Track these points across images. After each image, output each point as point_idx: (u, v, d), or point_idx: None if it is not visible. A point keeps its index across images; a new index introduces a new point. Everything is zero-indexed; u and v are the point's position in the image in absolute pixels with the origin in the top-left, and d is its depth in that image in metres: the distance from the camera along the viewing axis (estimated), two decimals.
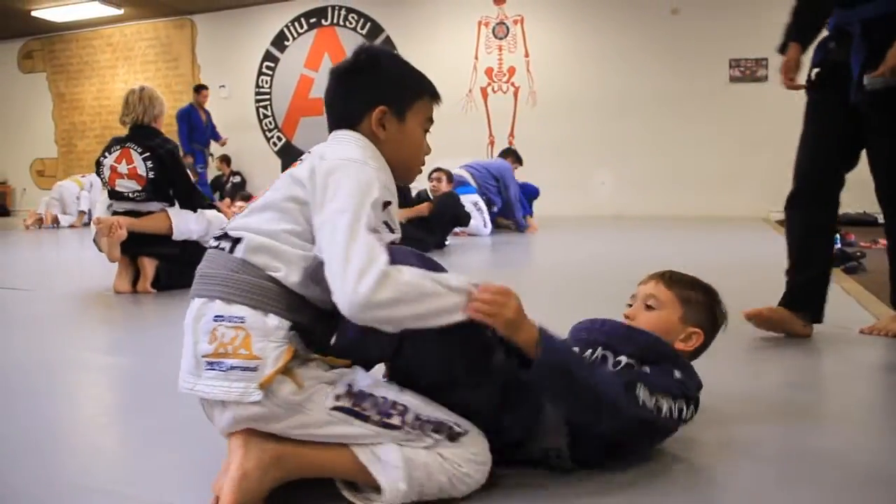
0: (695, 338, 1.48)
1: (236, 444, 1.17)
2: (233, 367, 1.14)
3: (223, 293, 1.18)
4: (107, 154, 3.79)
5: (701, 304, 1.52)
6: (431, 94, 1.40)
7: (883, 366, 2.18)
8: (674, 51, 8.72)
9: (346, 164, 1.22)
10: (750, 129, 8.44)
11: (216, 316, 1.17)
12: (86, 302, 3.51)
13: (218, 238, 1.25)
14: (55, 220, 9.14)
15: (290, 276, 1.17)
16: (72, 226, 9.09)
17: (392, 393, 1.19)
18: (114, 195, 3.77)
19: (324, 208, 1.17)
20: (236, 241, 1.21)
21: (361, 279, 1.06)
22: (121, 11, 11.10)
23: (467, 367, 1.22)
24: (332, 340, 1.31)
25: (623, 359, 1.38)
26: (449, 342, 1.18)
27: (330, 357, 1.21)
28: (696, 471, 1.36)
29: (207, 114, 9.82)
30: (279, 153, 11.07)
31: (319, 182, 1.19)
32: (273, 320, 1.15)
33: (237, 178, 10.99)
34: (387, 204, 1.23)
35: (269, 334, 1.15)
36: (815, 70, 2.55)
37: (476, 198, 6.67)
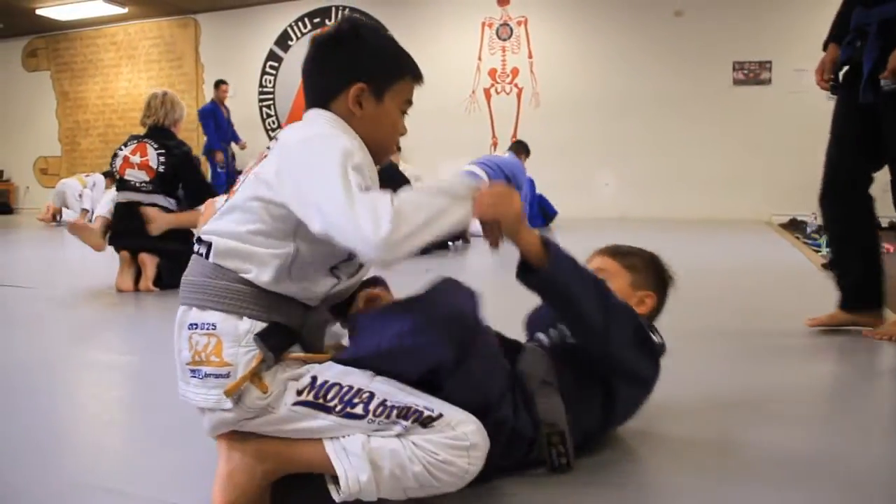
0: (648, 300, 1.57)
1: (220, 447, 1.20)
2: (207, 375, 1.14)
3: (198, 300, 1.17)
4: (123, 147, 3.93)
5: (645, 268, 1.61)
6: (414, 75, 1.33)
7: (891, 370, 2.18)
8: (677, 53, 8.71)
9: (313, 138, 1.18)
10: (753, 131, 8.42)
11: (191, 324, 1.17)
12: (88, 300, 3.52)
13: (197, 242, 1.24)
14: (57, 214, 9.16)
15: (262, 275, 1.15)
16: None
17: (362, 380, 1.14)
18: (121, 185, 3.86)
19: (303, 189, 1.12)
20: (209, 245, 1.19)
21: (378, 229, 1.03)
22: (125, 10, 11.11)
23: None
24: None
25: (552, 331, 1.50)
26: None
27: (308, 354, 1.18)
28: (691, 471, 1.36)
29: (228, 111, 9.75)
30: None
31: (287, 168, 1.15)
32: (244, 324, 1.14)
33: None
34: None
35: (239, 339, 1.13)
36: (843, 70, 2.55)
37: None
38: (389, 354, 1.14)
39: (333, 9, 10.56)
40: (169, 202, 3.85)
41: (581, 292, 1.26)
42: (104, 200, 4.15)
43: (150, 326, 3.00)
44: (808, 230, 6.54)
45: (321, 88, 1.30)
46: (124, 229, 3.83)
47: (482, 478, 1.16)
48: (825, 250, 5.08)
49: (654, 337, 1.42)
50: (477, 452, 1.10)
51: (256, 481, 1.16)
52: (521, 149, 7.43)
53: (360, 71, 1.27)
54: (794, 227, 7.10)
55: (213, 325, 1.15)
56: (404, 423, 1.11)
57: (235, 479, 1.15)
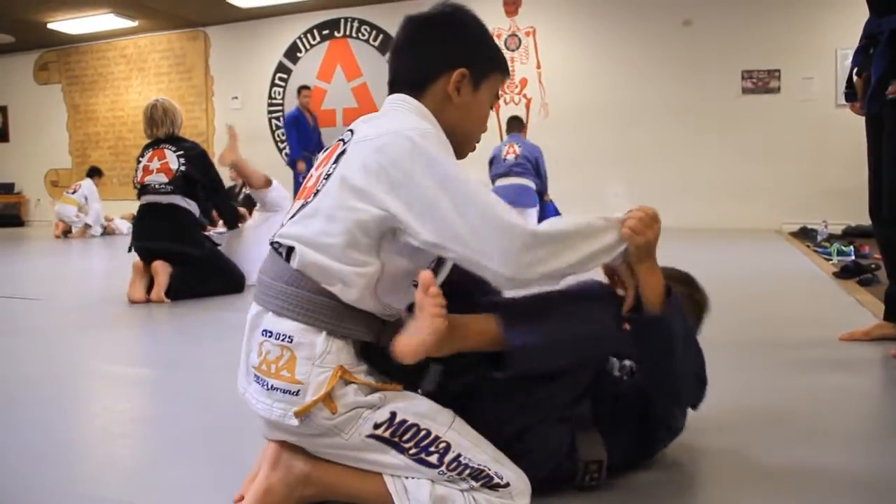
0: None
1: (267, 455, 1.16)
2: (275, 388, 1.10)
3: (275, 305, 1.13)
4: (141, 158, 4.01)
5: (682, 295, 1.55)
6: (504, 70, 1.31)
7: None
8: (686, 62, 8.70)
9: (395, 137, 1.11)
10: (763, 140, 8.40)
11: (265, 330, 1.13)
12: (99, 311, 3.52)
13: (276, 238, 1.19)
14: (67, 230, 9.23)
15: (346, 293, 1.11)
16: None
17: (439, 427, 1.13)
18: (142, 190, 3.93)
19: (413, 192, 1.07)
20: (290, 248, 1.14)
21: (511, 239, 1.03)
22: (135, 23, 11.19)
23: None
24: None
25: (627, 362, 1.42)
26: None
27: (380, 382, 1.14)
28: (701, 482, 1.35)
29: (314, 118, 9.29)
30: (291, 164, 11.09)
31: (391, 174, 1.08)
32: (321, 343, 1.09)
33: (249, 189, 11.00)
34: None
35: (314, 358, 1.09)
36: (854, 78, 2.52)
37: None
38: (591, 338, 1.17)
39: (342, 20, 10.61)
40: (188, 203, 3.91)
41: (683, 352, 1.24)
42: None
43: (161, 338, 3.00)
44: (819, 238, 6.51)
45: (420, 69, 1.24)
46: (145, 230, 3.90)
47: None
48: (836, 259, 5.05)
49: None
50: None
51: (291, 502, 1.14)
52: (521, 125, 7.31)
53: (463, 55, 1.23)
54: (805, 235, 7.06)
55: (289, 337, 1.10)
56: (473, 483, 1.12)
57: (272, 497, 1.12)
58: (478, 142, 1.31)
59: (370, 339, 1.14)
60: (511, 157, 6.93)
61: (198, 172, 3.95)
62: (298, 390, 1.09)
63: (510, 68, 9.49)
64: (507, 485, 1.13)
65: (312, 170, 1.25)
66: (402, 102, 1.23)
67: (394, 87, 1.27)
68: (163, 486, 1.38)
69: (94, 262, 6.42)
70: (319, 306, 1.10)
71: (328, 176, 1.16)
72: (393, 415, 1.11)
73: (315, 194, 1.16)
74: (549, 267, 1.07)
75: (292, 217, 1.19)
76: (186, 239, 3.83)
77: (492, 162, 7.00)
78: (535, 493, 1.17)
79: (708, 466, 1.43)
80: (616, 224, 1.15)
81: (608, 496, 1.28)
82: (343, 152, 1.17)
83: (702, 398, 1.40)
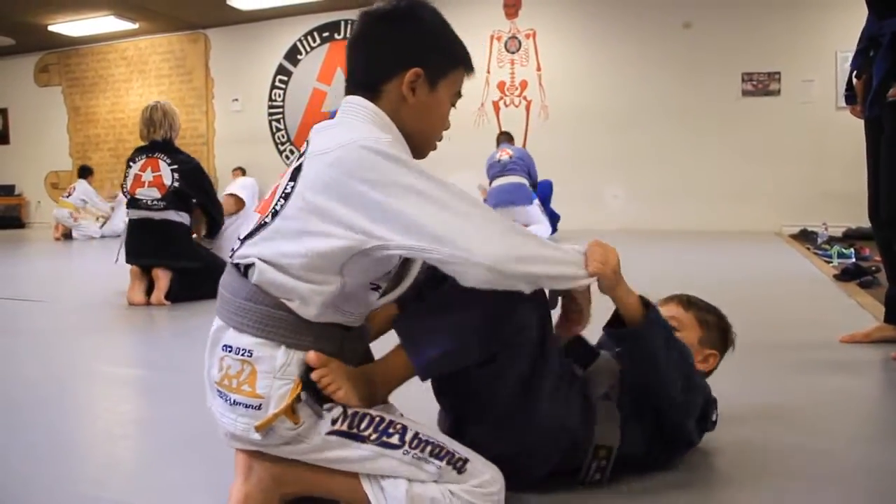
0: (711, 359, 1.54)
1: (240, 464, 1.16)
2: (237, 403, 1.10)
3: (235, 321, 1.11)
4: (132, 163, 3.90)
5: (716, 327, 1.58)
6: (467, 66, 1.25)
7: None
8: (686, 64, 8.71)
9: (359, 146, 1.07)
10: (762, 142, 8.40)
11: (225, 345, 1.12)
12: (99, 314, 3.52)
13: (234, 259, 1.16)
14: (66, 233, 9.25)
15: (305, 310, 1.09)
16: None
17: (392, 414, 1.15)
18: (133, 203, 3.84)
19: (375, 201, 1.04)
20: (248, 265, 1.12)
21: (492, 234, 1.04)
22: (136, 26, 11.19)
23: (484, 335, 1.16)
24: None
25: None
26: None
27: None
28: (701, 482, 1.35)
29: None
30: None
31: (344, 186, 1.05)
32: (281, 356, 1.08)
33: None
34: None
35: (275, 372, 1.08)
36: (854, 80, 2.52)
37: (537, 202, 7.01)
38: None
39: (343, 22, 10.62)
40: (181, 216, 3.84)
41: (667, 362, 1.25)
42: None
43: (161, 341, 3.01)
44: (819, 241, 6.51)
45: (373, 69, 1.20)
46: (138, 247, 3.81)
47: (535, 482, 1.26)
48: (836, 261, 5.05)
49: (712, 415, 1.43)
50: (501, 495, 1.15)
51: (275, 503, 1.14)
52: (510, 138, 7.80)
53: (417, 54, 1.18)
54: (805, 237, 7.06)
55: (248, 351, 1.09)
56: (438, 462, 1.12)
57: (251, 502, 1.13)
58: (439, 140, 1.28)
59: (331, 350, 1.12)
60: (505, 157, 7.18)
61: (191, 188, 3.86)
62: (260, 404, 1.08)
63: (509, 70, 9.55)
64: (467, 460, 1.13)
65: (278, 179, 1.20)
66: (357, 108, 1.19)
67: (349, 85, 1.23)
68: (163, 487, 1.38)
69: (94, 265, 6.42)
70: (278, 321, 1.09)
71: (286, 195, 1.11)
72: (345, 408, 1.11)
73: (273, 215, 1.12)
74: (527, 265, 1.06)
75: (250, 236, 1.14)
76: (181, 254, 3.78)
77: (489, 167, 7.27)
78: (535, 490, 1.17)
79: (708, 466, 1.43)
80: (580, 259, 1.17)
81: (608, 494, 1.28)
82: (299, 167, 1.12)
83: (710, 419, 1.41)
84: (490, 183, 7.14)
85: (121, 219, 9.43)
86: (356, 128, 1.14)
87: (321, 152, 1.10)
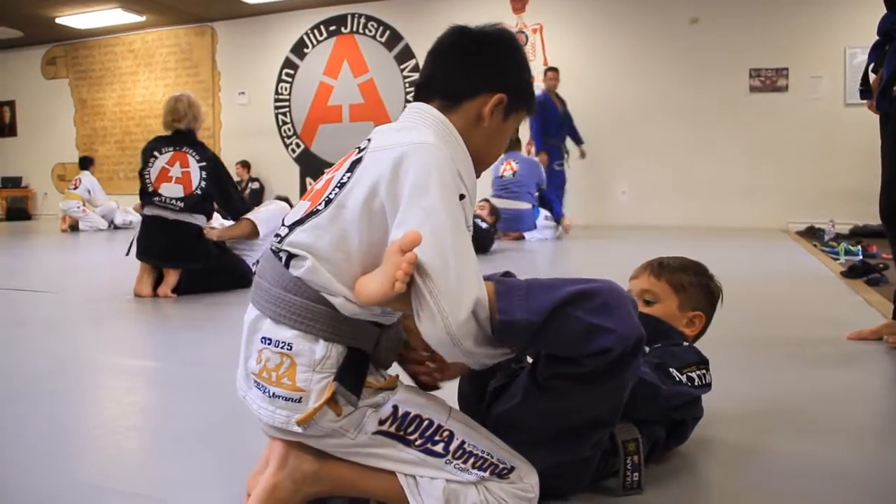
0: (697, 321, 1.53)
1: (276, 450, 1.14)
2: (276, 396, 1.09)
3: (274, 313, 1.10)
4: (158, 153, 3.82)
5: (695, 285, 1.55)
6: (531, 109, 1.31)
7: None
8: (694, 60, 8.68)
9: (417, 148, 1.09)
10: (770, 138, 8.38)
11: (263, 337, 1.11)
12: (106, 305, 3.53)
13: (278, 241, 1.15)
14: (74, 224, 9.29)
15: (347, 307, 1.09)
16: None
17: (439, 415, 1.13)
18: (151, 196, 3.76)
19: (409, 205, 1.04)
20: (292, 255, 1.11)
21: (464, 304, 1.00)
22: (143, 18, 11.21)
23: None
24: None
25: None
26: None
27: (381, 381, 1.13)
28: (707, 477, 1.35)
29: (563, 103, 8.31)
30: (297, 160, 11.11)
31: (401, 182, 1.06)
32: (321, 349, 1.08)
33: (256, 185, 11.03)
34: (461, 197, 1.11)
35: (314, 365, 1.08)
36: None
37: (545, 213, 6.98)
38: (567, 317, 1.03)
39: (349, 16, 10.61)
40: (195, 217, 3.78)
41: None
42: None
43: (168, 332, 3.01)
44: (826, 238, 6.49)
45: (462, 81, 1.21)
46: (149, 246, 3.77)
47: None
48: (843, 258, 5.04)
49: (706, 378, 1.39)
50: (535, 501, 1.14)
51: (300, 499, 1.12)
52: (518, 145, 7.50)
53: (506, 82, 1.22)
54: (812, 234, 7.05)
55: (287, 344, 1.08)
56: (480, 473, 1.11)
57: (278, 495, 1.11)
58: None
59: (367, 348, 1.12)
60: (508, 173, 7.02)
61: (215, 189, 3.82)
62: (301, 397, 1.08)
63: None
64: (513, 469, 1.13)
65: (328, 172, 1.21)
66: (427, 115, 1.19)
67: (423, 92, 1.24)
68: (170, 479, 1.39)
69: (101, 257, 6.44)
70: (317, 314, 1.09)
71: (342, 185, 1.12)
72: (395, 408, 1.11)
73: (327, 203, 1.12)
74: (477, 347, 1.04)
75: (299, 222, 1.14)
76: (193, 255, 3.75)
77: (493, 180, 7.17)
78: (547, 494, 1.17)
79: (714, 461, 1.43)
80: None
81: (611, 491, 1.28)
82: (359, 160, 1.14)
83: (705, 381, 1.39)
84: (493, 195, 7.05)
85: (121, 219, 9.49)
86: (424, 133, 1.14)
87: (384, 148, 1.12)
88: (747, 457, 1.46)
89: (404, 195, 1.05)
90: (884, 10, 2.41)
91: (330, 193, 1.13)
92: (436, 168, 1.07)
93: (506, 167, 7.08)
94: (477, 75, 1.21)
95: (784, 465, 1.41)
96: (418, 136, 1.12)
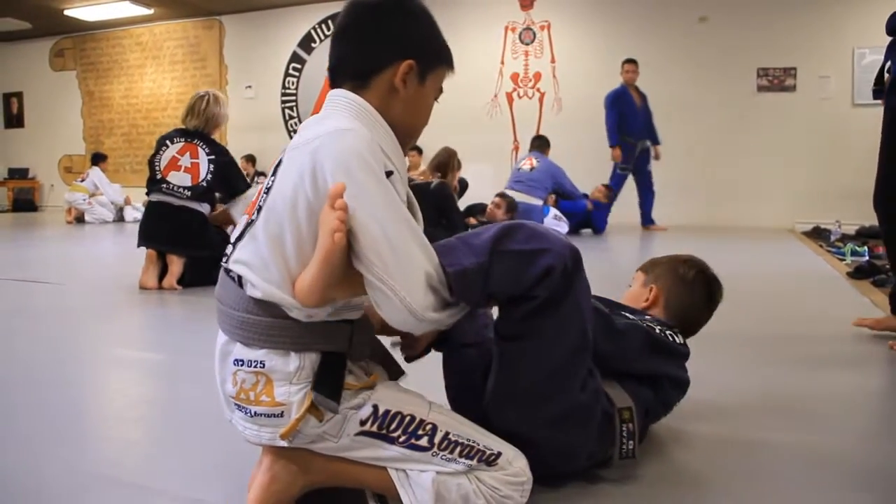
0: (652, 292, 1.61)
1: (265, 450, 1.16)
2: (258, 414, 1.09)
3: (242, 337, 1.10)
4: (169, 142, 3.86)
5: (660, 266, 1.65)
6: (449, 63, 1.25)
7: None
8: (701, 59, 8.66)
9: (331, 137, 1.06)
10: (777, 138, 8.36)
11: (236, 360, 1.10)
12: (112, 297, 3.55)
13: (225, 261, 1.15)
14: (80, 216, 9.34)
15: (300, 316, 1.08)
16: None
17: (421, 409, 1.13)
18: (158, 183, 3.81)
19: (351, 192, 1.01)
20: (241, 276, 1.10)
21: (419, 282, 1.03)
22: (151, 11, 11.22)
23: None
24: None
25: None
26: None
27: (359, 381, 1.13)
28: (708, 474, 1.35)
29: (643, 97, 7.90)
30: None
31: (322, 174, 1.04)
32: (293, 362, 1.08)
33: (261, 179, 11.05)
34: (389, 174, 1.08)
35: (290, 377, 1.08)
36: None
37: (555, 211, 6.93)
38: (504, 253, 1.11)
39: None
40: (200, 206, 3.83)
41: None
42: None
43: (174, 324, 3.03)
44: (832, 238, 6.47)
45: (364, 60, 1.17)
46: (153, 231, 3.82)
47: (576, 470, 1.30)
48: (850, 259, 5.03)
49: (676, 338, 1.45)
50: (528, 485, 1.15)
51: (296, 490, 1.14)
52: (544, 146, 7.48)
53: (409, 47, 1.17)
54: (818, 235, 7.02)
55: (260, 362, 1.08)
56: (468, 461, 1.12)
57: (275, 487, 1.12)
58: (418, 149, 1.29)
59: (342, 348, 1.12)
60: (527, 167, 7.04)
61: (221, 184, 3.87)
62: (282, 412, 1.08)
63: (523, 62, 9.51)
64: (500, 454, 1.14)
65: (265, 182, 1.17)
66: (340, 100, 1.16)
67: (336, 76, 1.20)
68: (178, 470, 1.39)
69: (107, 248, 6.46)
70: (284, 328, 1.08)
71: (268, 189, 1.11)
72: (375, 408, 1.11)
73: (258, 211, 1.10)
74: (439, 314, 1.08)
75: (240, 237, 1.13)
76: (196, 242, 3.78)
77: (512, 171, 7.23)
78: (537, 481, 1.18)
79: (716, 458, 1.43)
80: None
81: (611, 487, 1.28)
82: (280, 161, 1.12)
83: (678, 345, 1.45)
84: (508, 186, 7.05)
85: (132, 215, 9.52)
86: (342, 120, 1.11)
87: (301, 144, 1.09)
88: (745, 454, 1.46)
89: (328, 186, 1.02)
90: (893, 9, 2.40)
91: (260, 201, 1.12)
92: (353, 152, 1.04)
93: (527, 162, 7.13)
94: (378, 47, 1.17)
95: (783, 463, 1.41)
96: (332, 124, 1.09)
